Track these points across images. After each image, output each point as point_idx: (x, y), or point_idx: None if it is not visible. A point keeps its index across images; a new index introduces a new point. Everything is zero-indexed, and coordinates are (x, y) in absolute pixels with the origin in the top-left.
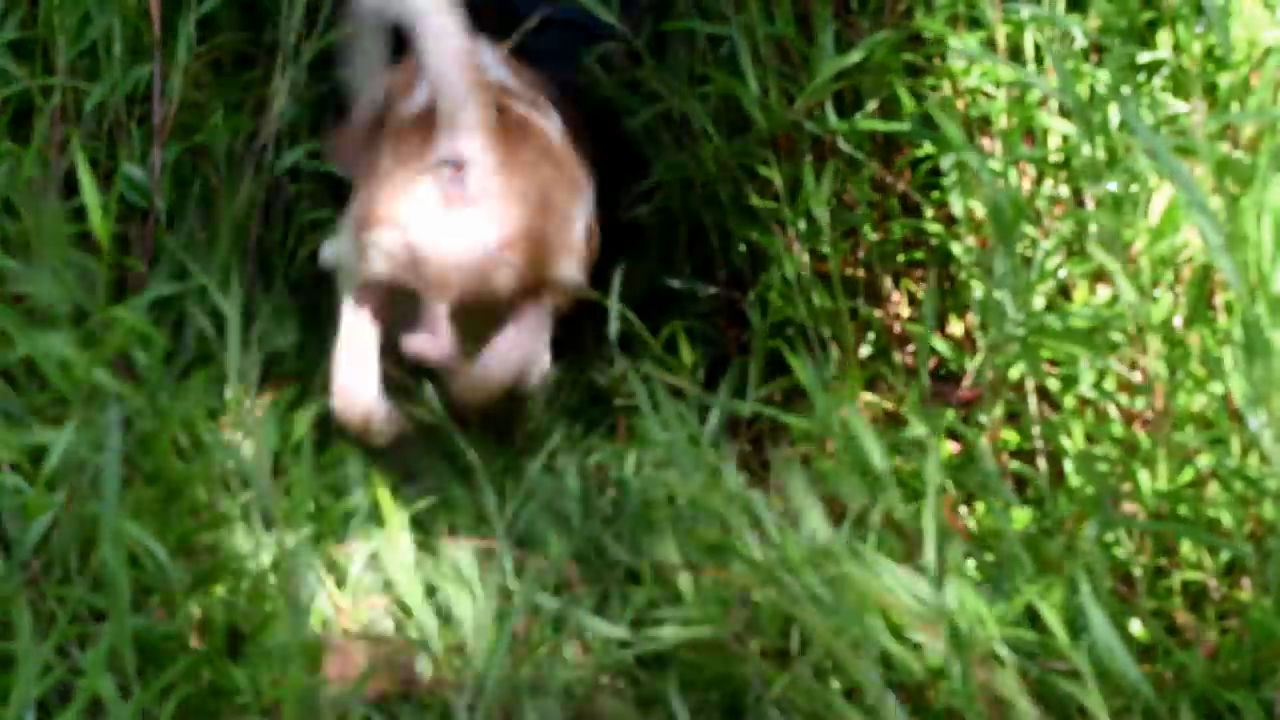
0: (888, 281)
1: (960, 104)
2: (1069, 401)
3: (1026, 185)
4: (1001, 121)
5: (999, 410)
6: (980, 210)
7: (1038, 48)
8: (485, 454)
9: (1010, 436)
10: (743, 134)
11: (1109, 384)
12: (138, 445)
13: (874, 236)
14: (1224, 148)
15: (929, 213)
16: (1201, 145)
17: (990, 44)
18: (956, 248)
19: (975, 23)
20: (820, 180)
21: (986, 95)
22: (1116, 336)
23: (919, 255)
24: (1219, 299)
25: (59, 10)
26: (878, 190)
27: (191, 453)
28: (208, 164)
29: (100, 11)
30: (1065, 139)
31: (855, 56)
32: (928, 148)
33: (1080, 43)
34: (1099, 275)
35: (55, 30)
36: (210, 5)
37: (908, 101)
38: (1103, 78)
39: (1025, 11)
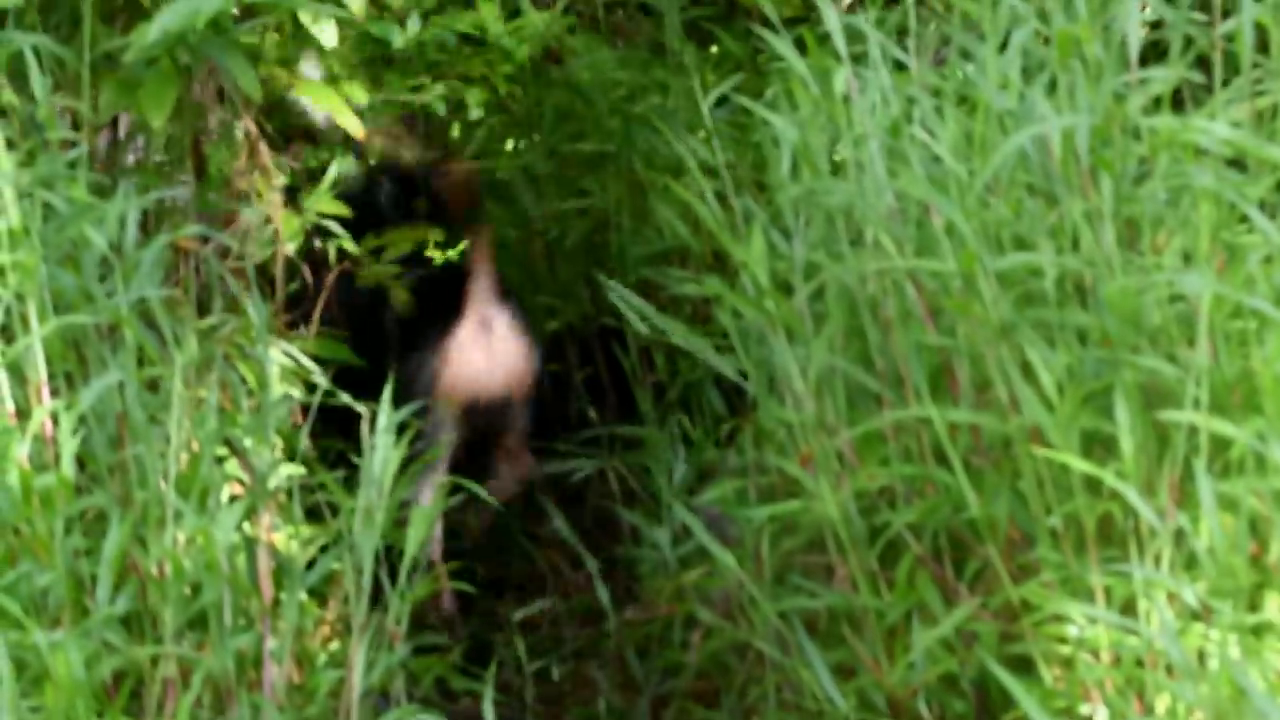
0: None
1: (1058, 670)
2: None
3: None
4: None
5: None
6: None
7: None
8: None
9: None
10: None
11: None
12: None
13: None
14: None
15: None
16: None
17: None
18: None
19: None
20: None
21: (1093, 656)
22: None
23: None
24: None
25: (169, 583)
26: None
27: None
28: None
29: (208, 582)
30: (1175, 699)
31: (949, 626)
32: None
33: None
34: None
35: (162, 602)
36: (317, 576)
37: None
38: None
39: (1136, 574)
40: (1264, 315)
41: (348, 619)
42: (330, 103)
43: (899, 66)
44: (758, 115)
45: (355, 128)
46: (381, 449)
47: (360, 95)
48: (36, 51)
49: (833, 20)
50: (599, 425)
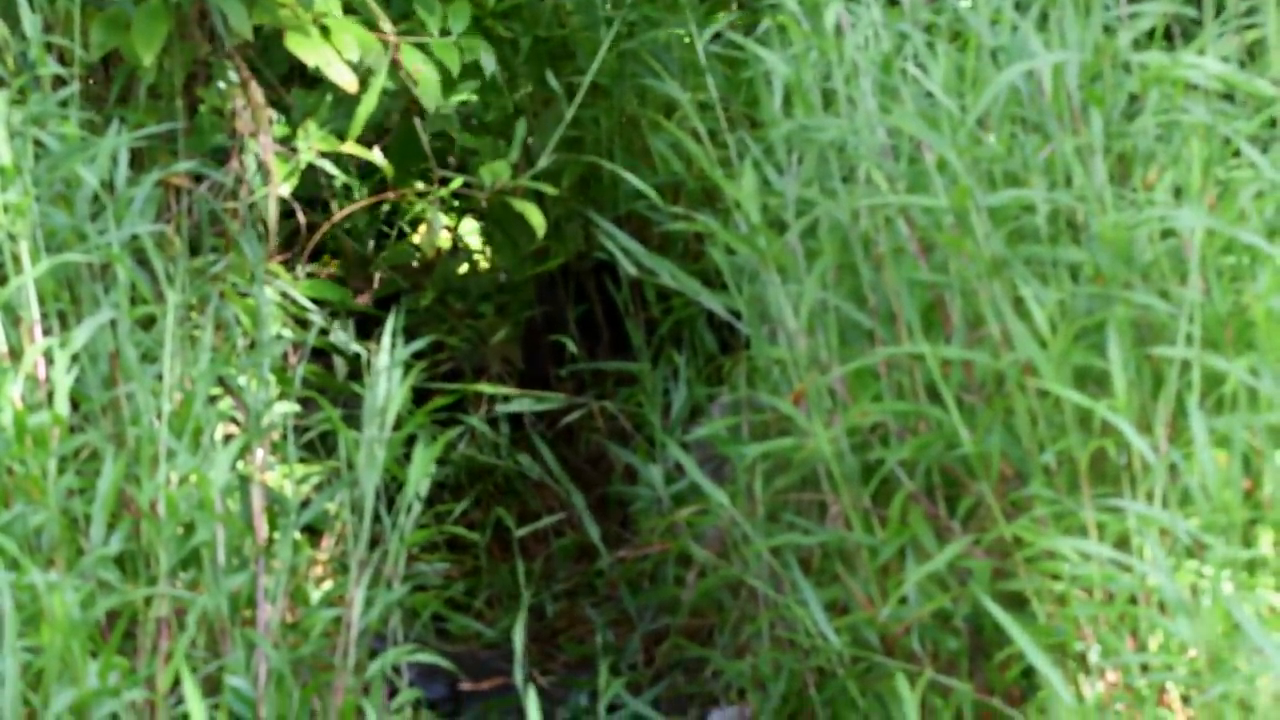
0: None
1: (1051, 607)
2: None
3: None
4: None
5: None
6: None
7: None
8: None
9: None
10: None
11: None
12: None
13: None
14: None
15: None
16: None
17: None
18: None
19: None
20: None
21: (1086, 592)
22: None
23: None
24: None
25: (163, 522)
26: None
27: None
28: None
29: (202, 521)
30: (1168, 636)
31: (941, 563)
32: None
33: (1184, 539)
34: None
35: (156, 541)
36: (311, 514)
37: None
38: (1206, 573)
39: (1129, 511)
40: (1256, 250)
41: (342, 557)
42: (320, 54)
43: (891, 2)
44: (750, 51)
45: (346, 80)
46: (384, 383)
47: (352, 46)
48: None
49: None
50: (592, 362)
